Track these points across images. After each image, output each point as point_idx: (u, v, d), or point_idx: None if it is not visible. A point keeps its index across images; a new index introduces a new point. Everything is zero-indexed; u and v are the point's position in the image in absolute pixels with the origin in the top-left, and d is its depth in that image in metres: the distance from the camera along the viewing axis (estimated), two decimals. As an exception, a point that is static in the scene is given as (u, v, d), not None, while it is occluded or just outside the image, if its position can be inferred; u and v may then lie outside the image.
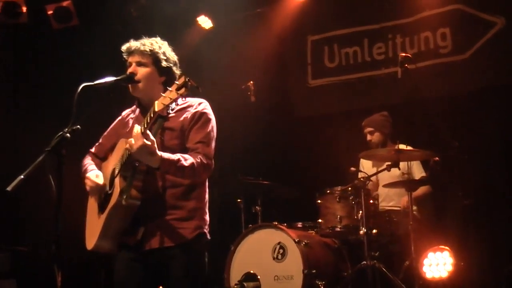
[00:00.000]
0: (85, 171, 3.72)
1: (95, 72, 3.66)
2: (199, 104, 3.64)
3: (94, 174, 3.66)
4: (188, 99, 3.63)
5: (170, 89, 3.25)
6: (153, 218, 3.51)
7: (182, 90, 3.22)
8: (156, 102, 3.29)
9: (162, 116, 3.46)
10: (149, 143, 3.25)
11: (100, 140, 3.89)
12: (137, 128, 3.29)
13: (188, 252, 3.50)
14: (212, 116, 3.65)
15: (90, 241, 3.61)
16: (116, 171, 3.51)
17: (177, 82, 3.24)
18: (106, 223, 3.49)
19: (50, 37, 7.52)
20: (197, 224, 3.57)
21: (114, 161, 3.62)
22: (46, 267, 3.39)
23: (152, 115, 3.31)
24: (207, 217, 3.67)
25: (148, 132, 3.31)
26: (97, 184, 3.60)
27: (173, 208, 3.52)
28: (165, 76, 3.63)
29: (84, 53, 7.24)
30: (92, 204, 3.75)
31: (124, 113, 3.87)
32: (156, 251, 3.49)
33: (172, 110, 3.56)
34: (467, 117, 6.75)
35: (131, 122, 3.75)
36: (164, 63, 3.63)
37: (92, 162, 3.81)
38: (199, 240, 3.57)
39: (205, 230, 3.63)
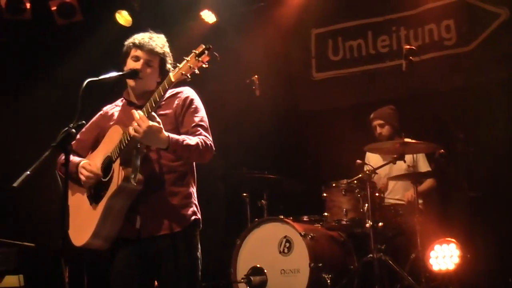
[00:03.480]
0: (74, 163, 3.54)
1: (99, 67, 3.65)
2: (188, 90, 3.66)
3: (87, 163, 3.55)
4: (173, 89, 3.60)
5: (187, 58, 3.19)
6: (149, 205, 3.46)
7: (204, 57, 3.15)
8: (170, 74, 3.26)
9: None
10: (155, 123, 3.24)
11: (78, 136, 3.63)
12: (138, 113, 3.26)
13: (186, 240, 3.48)
14: (200, 102, 3.67)
15: (81, 237, 3.45)
16: (115, 157, 3.42)
17: (195, 51, 3.18)
18: (105, 213, 3.39)
19: (54, 33, 7.52)
20: (193, 210, 3.57)
21: (105, 150, 3.52)
22: (53, 262, 3.40)
23: (167, 86, 3.28)
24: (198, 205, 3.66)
25: (153, 113, 3.29)
26: (96, 173, 3.49)
27: (170, 194, 3.49)
28: (162, 76, 3.63)
29: (88, 48, 7.23)
30: (77, 198, 3.59)
31: (106, 108, 3.83)
32: (155, 239, 3.45)
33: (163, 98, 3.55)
34: (473, 109, 6.73)
35: (116, 114, 3.72)
36: (167, 66, 3.65)
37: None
38: (196, 226, 3.57)
39: (199, 216, 3.61)
